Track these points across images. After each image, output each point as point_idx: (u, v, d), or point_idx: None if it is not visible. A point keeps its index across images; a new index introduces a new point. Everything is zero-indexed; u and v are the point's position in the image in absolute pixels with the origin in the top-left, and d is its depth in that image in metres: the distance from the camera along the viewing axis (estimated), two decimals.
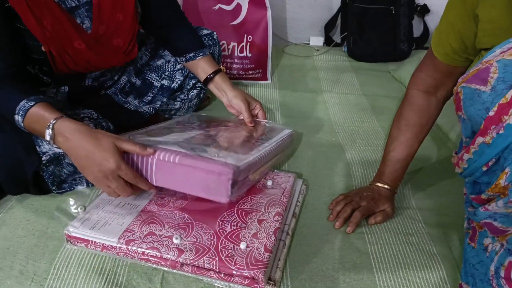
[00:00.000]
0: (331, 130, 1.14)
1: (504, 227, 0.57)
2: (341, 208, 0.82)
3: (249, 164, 0.74)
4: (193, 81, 1.08)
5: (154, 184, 0.74)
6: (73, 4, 0.81)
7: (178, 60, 1.04)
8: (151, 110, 1.02)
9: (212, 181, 0.69)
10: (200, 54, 1.01)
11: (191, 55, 1.01)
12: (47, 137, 0.71)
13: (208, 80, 1.01)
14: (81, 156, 0.70)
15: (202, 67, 1.02)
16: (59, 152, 0.80)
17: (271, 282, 0.63)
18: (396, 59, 1.60)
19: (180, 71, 1.05)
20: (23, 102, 0.72)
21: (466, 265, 0.66)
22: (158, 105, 1.03)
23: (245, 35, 1.37)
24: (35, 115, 0.72)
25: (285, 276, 0.69)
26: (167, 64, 1.05)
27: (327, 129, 1.15)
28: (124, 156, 0.73)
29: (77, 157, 0.71)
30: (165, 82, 1.04)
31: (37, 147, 0.80)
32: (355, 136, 1.11)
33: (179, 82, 1.05)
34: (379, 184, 0.85)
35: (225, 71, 1.03)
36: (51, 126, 0.71)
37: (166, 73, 1.05)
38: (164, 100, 1.04)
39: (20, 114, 0.72)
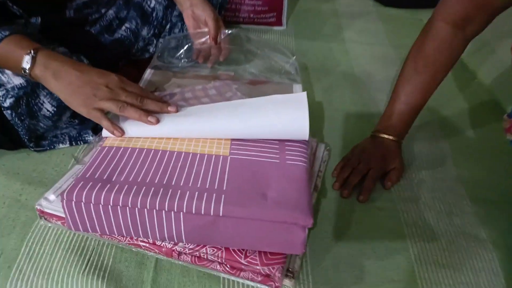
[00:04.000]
0: (354, 86, 0.98)
1: None
2: (348, 174, 0.70)
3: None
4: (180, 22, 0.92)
5: (184, 242, 0.51)
6: None
7: None
8: (128, 33, 0.86)
9: (280, 232, 0.48)
10: None
11: None
12: (25, 64, 0.59)
13: None
14: (71, 79, 0.59)
15: None
16: (22, 85, 0.66)
17: (289, 274, 0.51)
18: (429, 5, 1.40)
19: None
20: None
21: None
22: (134, 26, 0.87)
23: None
24: (11, 43, 0.60)
25: (304, 264, 0.57)
26: None
27: (350, 84, 0.99)
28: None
29: (65, 81, 0.59)
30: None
31: None
32: (382, 93, 0.96)
33: (151, 4, 0.89)
34: (385, 136, 0.73)
35: None
36: (31, 53, 0.59)
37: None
38: (138, 21, 0.87)
39: None
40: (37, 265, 0.55)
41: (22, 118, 0.67)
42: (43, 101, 0.69)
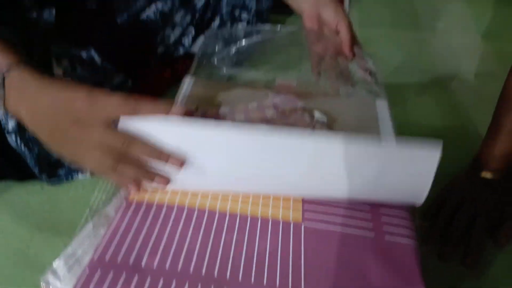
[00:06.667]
0: (439, 90, 0.79)
1: None
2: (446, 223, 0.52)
3: None
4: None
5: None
6: None
7: None
8: (157, 16, 0.69)
9: None
10: None
11: None
12: None
13: None
14: (50, 126, 0.40)
15: None
16: None
17: None
18: None
19: None
20: None
21: None
22: (167, 6, 0.70)
23: None
24: None
25: None
26: None
27: (432, 87, 0.80)
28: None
29: (48, 127, 0.40)
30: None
31: None
32: (475, 99, 0.76)
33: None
34: (489, 175, 0.55)
35: None
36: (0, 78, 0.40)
37: None
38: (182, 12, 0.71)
39: None
40: None
41: (31, 145, 0.53)
42: None
